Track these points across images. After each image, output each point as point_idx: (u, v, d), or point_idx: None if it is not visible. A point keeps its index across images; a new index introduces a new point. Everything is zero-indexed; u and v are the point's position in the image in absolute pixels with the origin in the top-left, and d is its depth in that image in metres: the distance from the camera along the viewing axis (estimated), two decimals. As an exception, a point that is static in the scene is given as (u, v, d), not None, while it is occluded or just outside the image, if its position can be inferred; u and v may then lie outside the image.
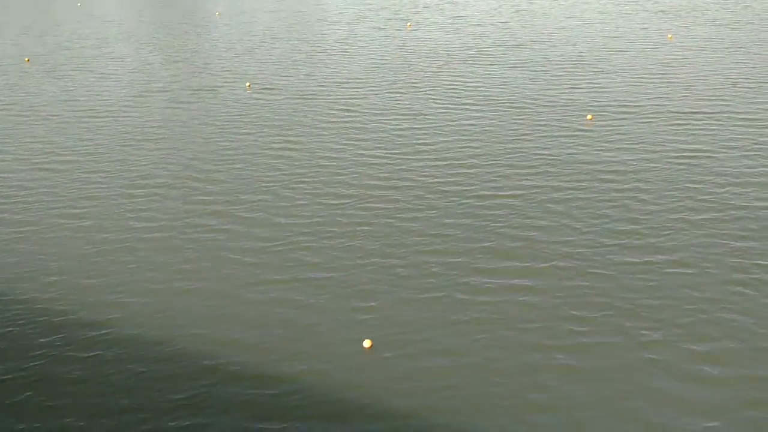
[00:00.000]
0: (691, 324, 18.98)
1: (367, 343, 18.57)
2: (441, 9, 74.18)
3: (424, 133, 34.12)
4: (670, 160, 30.25)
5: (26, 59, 54.56)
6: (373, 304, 20.16)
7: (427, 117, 36.64)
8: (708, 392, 16.57)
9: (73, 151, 33.12)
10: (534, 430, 15.54)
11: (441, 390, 16.78)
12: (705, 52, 50.18)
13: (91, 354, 18.38)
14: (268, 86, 43.83)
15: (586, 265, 21.95)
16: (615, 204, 26.07)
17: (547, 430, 15.54)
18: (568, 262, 22.10)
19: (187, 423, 15.98)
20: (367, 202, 26.68)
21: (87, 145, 33.71)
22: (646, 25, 60.12)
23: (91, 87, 45.07)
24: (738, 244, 23.04)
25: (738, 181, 27.96)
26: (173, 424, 15.97)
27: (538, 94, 40.34)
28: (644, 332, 18.66)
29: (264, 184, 28.58)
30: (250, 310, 20.07)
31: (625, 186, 27.64)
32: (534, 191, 27.28)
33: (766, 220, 24.68)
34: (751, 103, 37.84)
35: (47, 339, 19.07)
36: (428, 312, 19.75)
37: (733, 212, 25.25)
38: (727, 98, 38.78)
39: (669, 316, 19.32)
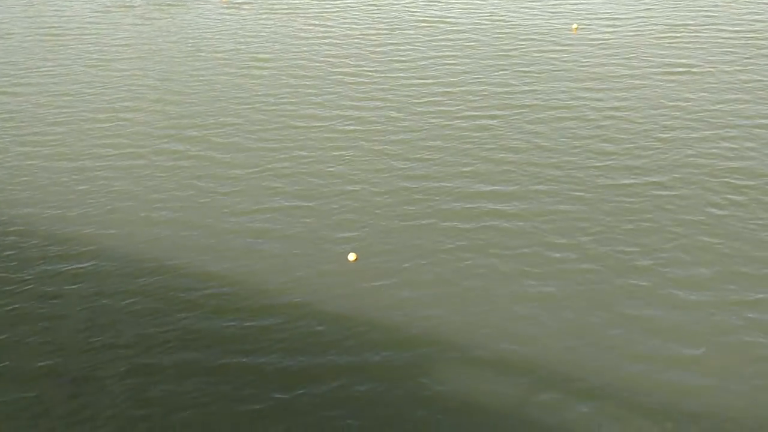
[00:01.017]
0: (672, 248, 18.89)
1: (352, 257, 18.53)
2: None
3: (402, 50, 33.03)
4: (655, 75, 29.62)
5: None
6: (354, 233, 19.81)
7: (404, 32, 35.42)
8: (687, 317, 16.61)
9: (35, 72, 31.70)
10: (515, 358, 15.54)
11: (423, 319, 16.66)
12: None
13: (66, 289, 17.95)
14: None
15: (568, 188, 21.65)
16: (598, 124, 25.58)
17: (529, 358, 15.55)
18: (550, 186, 21.77)
19: (170, 359, 15.76)
20: (344, 125, 25.94)
21: (49, 66, 32.27)
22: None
23: (52, 2, 42.93)
24: (720, 164, 22.80)
25: (726, 98, 27.49)
26: (155, 360, 15.75)
27: (522, 6, 39.07)
28: (624, 258, 18.56)
29: (236, 107, 27.64)
30: (228, 241, 19.63)
31: (609, 105, 27.08)
32: (515, 111, 26.66)
33: (751, 140, 24.39)
34: (744, 14, 36.97)
35: (19, 274, 18.57)
36: (410, 240, 19.45)
37: (718, 131, 24.90)
38: (717, 11, 37.84)
39: (649, 241, 19.21)
